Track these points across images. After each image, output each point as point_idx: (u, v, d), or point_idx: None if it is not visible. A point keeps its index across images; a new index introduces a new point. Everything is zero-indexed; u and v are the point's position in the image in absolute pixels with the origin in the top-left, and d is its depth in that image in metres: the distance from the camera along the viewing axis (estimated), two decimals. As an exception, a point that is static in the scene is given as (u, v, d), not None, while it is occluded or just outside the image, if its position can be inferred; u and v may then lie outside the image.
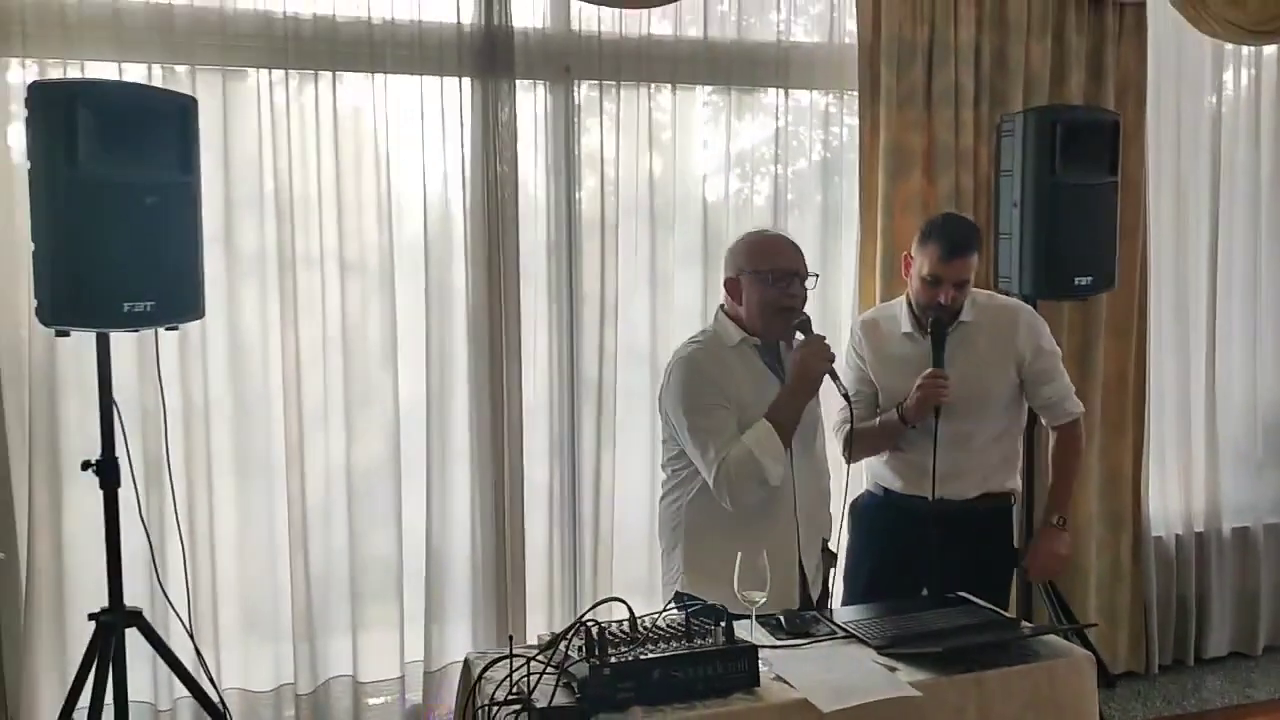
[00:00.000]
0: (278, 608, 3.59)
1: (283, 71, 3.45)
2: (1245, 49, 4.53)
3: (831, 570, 2.89)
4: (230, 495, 3.54)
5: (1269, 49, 4.56)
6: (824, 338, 2.73)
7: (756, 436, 2.65)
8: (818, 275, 2.83)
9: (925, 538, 3.00)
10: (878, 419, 3.09)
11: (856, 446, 3.05)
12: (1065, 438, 3.25)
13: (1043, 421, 3.32)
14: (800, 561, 2.75)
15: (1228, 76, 4.55)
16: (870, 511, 3.22)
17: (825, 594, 2.88)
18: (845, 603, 3.18)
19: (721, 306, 2.87)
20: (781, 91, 3.96)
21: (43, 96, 2.72)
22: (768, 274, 2.72)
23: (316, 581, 3.60)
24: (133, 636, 3.09)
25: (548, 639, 2.33)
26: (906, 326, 3.12)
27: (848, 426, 3.03)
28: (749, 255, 2.78)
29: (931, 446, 2.97)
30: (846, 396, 2.75)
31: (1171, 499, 4.54)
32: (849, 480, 3.00)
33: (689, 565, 2.78)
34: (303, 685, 3.61)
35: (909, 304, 3.14)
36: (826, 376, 2.74)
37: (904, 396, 3.01)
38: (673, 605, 2.50)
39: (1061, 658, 2.43)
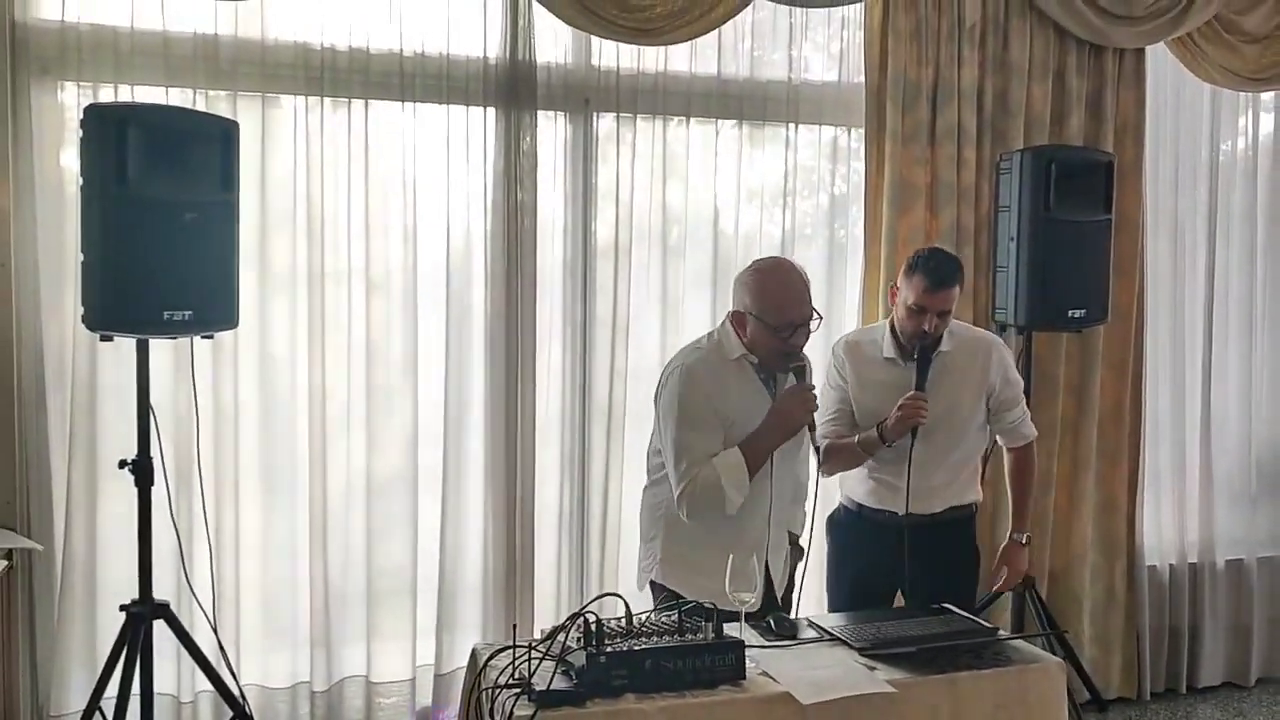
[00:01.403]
0: (297, 608, 3.75)
1: (318, 99, 3.65)
2: (1243, 95, 4.67)
3: (800, 564, 3.05)
4: (256, 498, 3.71)
5: (1266, 95, 4.71)
6: (813, 388, 2.88)
7: (726, 465, 2.78)
8: (822, 317, 2.90)
9: (897, 550, 3.19)
10: (856, 437, 3.23)
11: (834, 461, 3.24)
12: (1023, 460, 3.48)
13: (1001, 443, 3.51)
14: (767, 563, 2.90)
15: (1225, 121, 4.69)
16: (845, 525, 3.41)
17: (790, 588, 3.05)
18: (830, 610, 3.33)
19: (730, 315, 2.95)
20: (794, 126, 4.13)
21: (96, 118, 2.94)
22: (774, 327, 2.81)
23: (334, 584, 3.75)
24: (159, 632, 3.26)
25: (549, 631, 2.48)
26: (889, 352, 3.28)
27: (825, 442, 3.21)
28: (759, 302, 2.82)
29: (904, 467, 3.15)
30: (817, 449, 2.90)
31: (1166, 530, 4.65)
32: (818, 491, 3.16)
33: (665, 555, 2.95)
34: (318, 684, 3.76)
35: (892, 330, 3.29)
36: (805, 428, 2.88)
37: (882, 417, 3.15)
38: (664, 605, 2.63)
39: (1033, 663, 2.57)
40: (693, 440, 2.81)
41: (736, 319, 2.89)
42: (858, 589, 3.30)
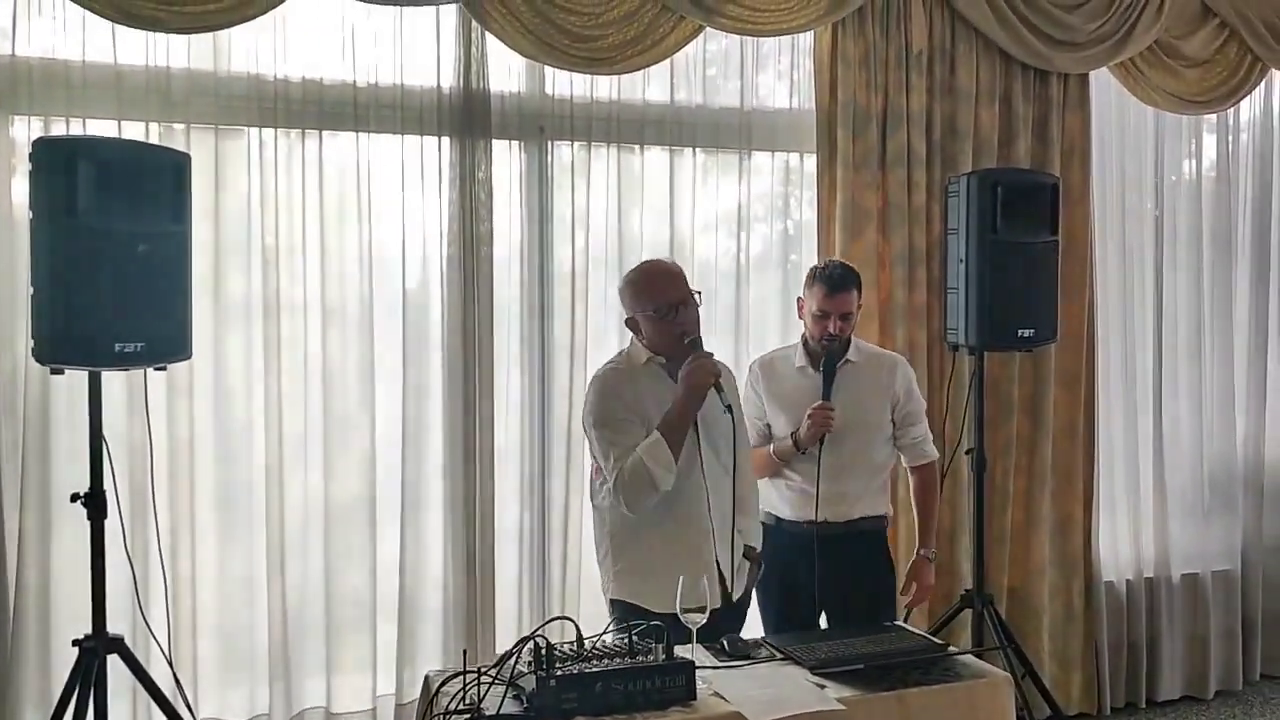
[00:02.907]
0: (254, 639, 3.72)
1: (272, 130, 3.67)
2: (1185, 118, 4.78)
3: (758, 572, 3.11)
4: (211, 529, 3.69)
5: (1208, 117, 4.82)
6: (711, 355, 2.96)
7: (648, 446, 2.88)
8: (700, 292, 3.04)
9: (815, 563, 3.28)
10: (770, 446, 3.42)
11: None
12: (925, 478, 3.60)
13: (904, 462, 3.61)
14: (718, 560, 2.93)
15: (1168, 144, 4.80)
16: (766, 542, 3.42)
17: (747, 595, 3.12)
18: (766, 630, 3.36)
19: (627, 324, 3.08)
20: (747, 153, 4.20)
21: (46, 151, 2.94)
22: (655, 311, 2.95)
23: (293, 615, 3.73)
24: (114, 666, 3.22)
25: (499, 656, 2.49)
26: (800, 362, 3.47)
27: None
28: (635, 298, 3.00)
29: (815, 474, 3.29)
30: (729, 408, 2.95)
31: (1122, 546, 4.72)
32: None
33: (616, 569, 3.01)
34: (277, 716, 3.73)
35: (804, 344, 3.48)
36: (712, 389, 2.94)
37: (795, 423, 3.35)
38: (613, 625, 2.64)
39: (981, 679, 2.60)
40: (616, 436, 2.92)
41: (632, 328, 3.03)
42: (786, 603, 3.37)
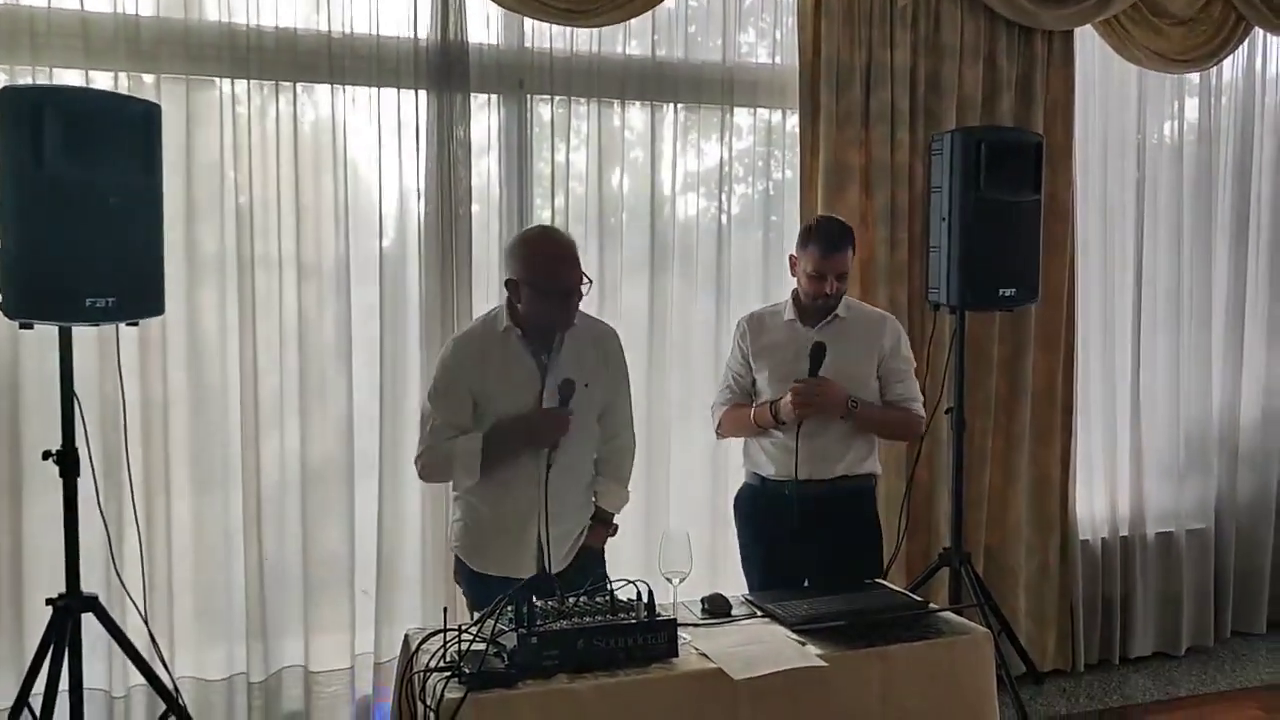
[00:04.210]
0: (231, 598, 3.70)
1: (245, 81, 3.59)
2: (1169, 77, 4.76)
3: (605, 538, 3.11)
4: (187, 487, 3.65)
5: (1191, 77, 4.80)
6: (571, 413, 2.86)
7: (463, 450, 2.87)
8: (591, 281, 2.93)
9: (799, 522, 3.23)
10: (752, 410, 3.35)
11: (727, 425, 3.45)
12: (904, 413, 3.42)
13: None
14: (540, 533, 2.89)
15: (1151, 104, 4.78)
16: (750, 503, 3.47)
17: (590, 555, 3.06)
18: (750, 590, 3.34)
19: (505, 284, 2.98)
20: (732, 110, 4.14)
21: (11, 101, 2.85)
22: (543, 291, 2.85)
23: (270, 573, 3.71)
24: (90, 626, 3.20)
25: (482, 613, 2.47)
26: (789, 315, 3.41)
27: (724, 408, 3.43)
28: (531, 271, 2.86)
29: (795, 432, 3.24)
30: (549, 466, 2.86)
31: (1098, 505, 4.74)
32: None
33: (454, 517, 3.07)
34: (255, 674, 3.72)
35: (794, 299, 3.43)
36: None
37: (780, 376, 3.30)
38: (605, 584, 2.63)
39: (961, 635, 2.61)
40: (438, 411, 2.93)
41: (511, 290, 2.92)
42: (770, 562, 3.35)
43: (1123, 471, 4.75)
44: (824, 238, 3.29)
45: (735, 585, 3.83)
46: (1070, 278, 4.50)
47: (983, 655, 2.59)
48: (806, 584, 3.16)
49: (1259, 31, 4.83)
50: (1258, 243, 5.00)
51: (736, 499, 3.53)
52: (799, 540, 3.23)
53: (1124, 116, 4.72)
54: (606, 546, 3.17)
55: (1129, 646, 4.74)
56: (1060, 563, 4.57)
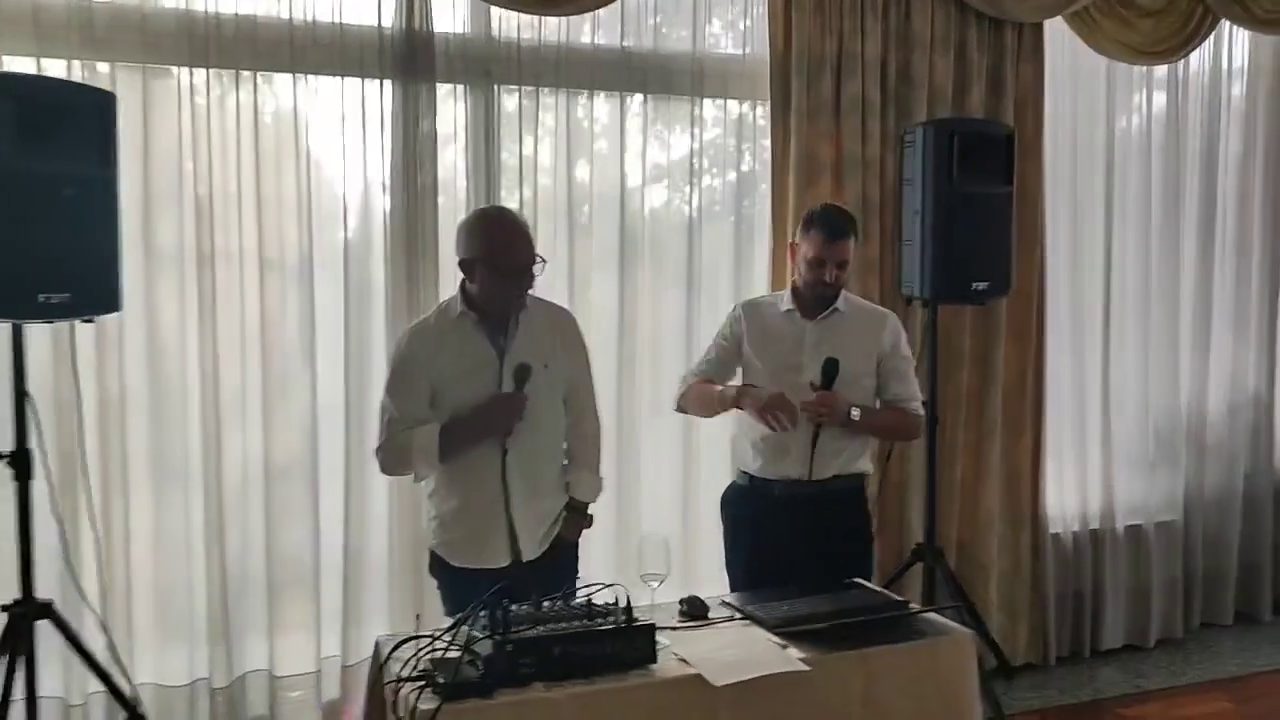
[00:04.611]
0: (193, 602, 3.61)
1: (204, 70, 3.49)
2: (1137, 69, 4.76)
3: (579, 529, 3.06)
4: (146, 489, 3.55)
5: (1159, 70, 4.80)
6: (526, 397, 2.82)
7: (420, 441, 2.83)
8: (545, 261, 2.90)
9: (788, 522, 3.20)
10: (721, 388, 3.32)
11: (690, 401, 3.42)
12: (903, 412, 3.41)
13: None
14: (512, 520, 2.85)
15: (1120, 97, 4.78)
16: (737, 501, 3.41)
17: (564, 547, 3.01)
18: (732, 589, 3.30)
19: (464, 282, 2.94)
20: (701, 101, 4.08)
21: (-41, 90, 2.75)
22: (504, 270, 2.82)
23: (233, 576, 3.62)
24: (46, 632, 3.10)
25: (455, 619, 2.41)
26: (787, 305, 3.35)
27: (695, 380, 3.40)
28: (487, 249, 2.83)
29: (798, 431, 3.18)
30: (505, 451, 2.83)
31: (1068, 498, 4.74)
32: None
33: (429, 515, 3.03)
34: (218, 680, 3.63)
35: (792, 290, 3.37)
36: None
37: (773, 367, 3.25)
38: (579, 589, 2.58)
39: (943, 636, 2.57)
40: (395, 402, 2.89)
41: (465, 270, 2.88)
42: (754, 563, 3.30)
43: (1092, 464, 4.76)
44: (827, 224, 3.24)
45: (708, 585, 3.80)
46: (1041, 270, 4.49)
47: (965, 656, 2.56)
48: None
49: (1225, 24, 4.84)
50: (1223, 235, 5.02)
51: (724, 498, 3.47)
52: (791, 540, 3.17)
53: (1093, 109, 4.71)
54: (579, 542, 3.12)
55: (1099, 639, 4.75)
56: (1031, 557, 4.57)
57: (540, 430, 2.91)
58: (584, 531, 3.10)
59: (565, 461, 3.05)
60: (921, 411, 3.43)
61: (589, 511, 3.07)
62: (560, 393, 2.99)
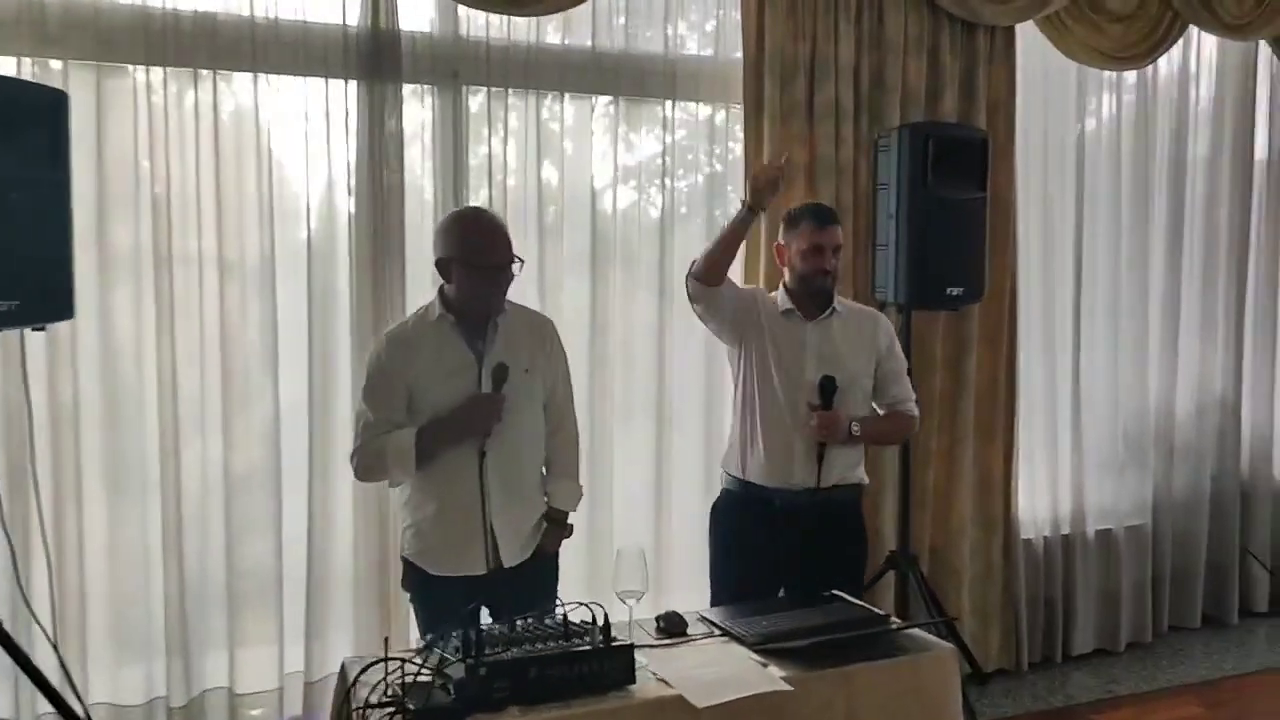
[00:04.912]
0: (150, 618, 3.50)
1: (161, 69, 3.38)
2: (1108, 74, 4.76)
3: (559, 539, 3.02)
4: (100, 502, 3.44)
5: (1129, 75, 4.80)
6: (504, 398, 2.79)
7: (396, 445, 2.79)
8: (523, 261, 2.89)
9: (784, 532, 3.16)
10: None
11: (711, 247, 3.21)
12: (900, 416, 3.42)
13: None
14: (490, 526, 2.80)
15: (1091, 100, 4.78)
16: (733, 510, 3.34)
17: (543, 557, 2.98)
18: (714, 601, 3.26)
19: (442, 286, 2.92)
20: (673, 103, 4.02)
21: (-99, 86, 2.63)
22: (481, 269, 2.80)
23: (191, 591, 3.52)
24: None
25: (426, 641, 2.32)
26: (786, 305, 3.30)
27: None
28: (464, 247, 2.81)
29: (797, 436, 3.19)
30: (483, 454, 2.78)
31: (1040, 502, 4.73)
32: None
33: (405, 524, 2.95)
34: (176, 698, 3.52)
35: (787, 291, 3.33)
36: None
37: (786, 363, 3.23)
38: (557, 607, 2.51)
39: (926, 651, 2.53)
40: (371, 407, 2.85)
41: (442, 270, 2.86)
42: (743, 573, 3.24)
43: (1063, 468, 4.75)
44: (815, 213, 3.26)
45: (680, 595, 3.76)
46: (1012, 275, 4.47)
47: (947, 671, 2.51)
48: (782, 593, 3.11)
49: (1193, 29, 4.85)
50: (1191, 239, 5.03)
51: (717, 506, 3.41)
52: (792, 550, 3.14)
53: (1064, 113, 4.70)
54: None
55: (1071, 644, 4.74)
56: (1004, 562, 4.55)
57: (519, 434, 2.88)
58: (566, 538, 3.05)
59: (544, 470, 3.00)
60: (916, 411, 3.42)
61: (569, 521, 3.02)
62: (540, 399, 2.95)
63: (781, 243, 3.34)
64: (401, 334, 2.91)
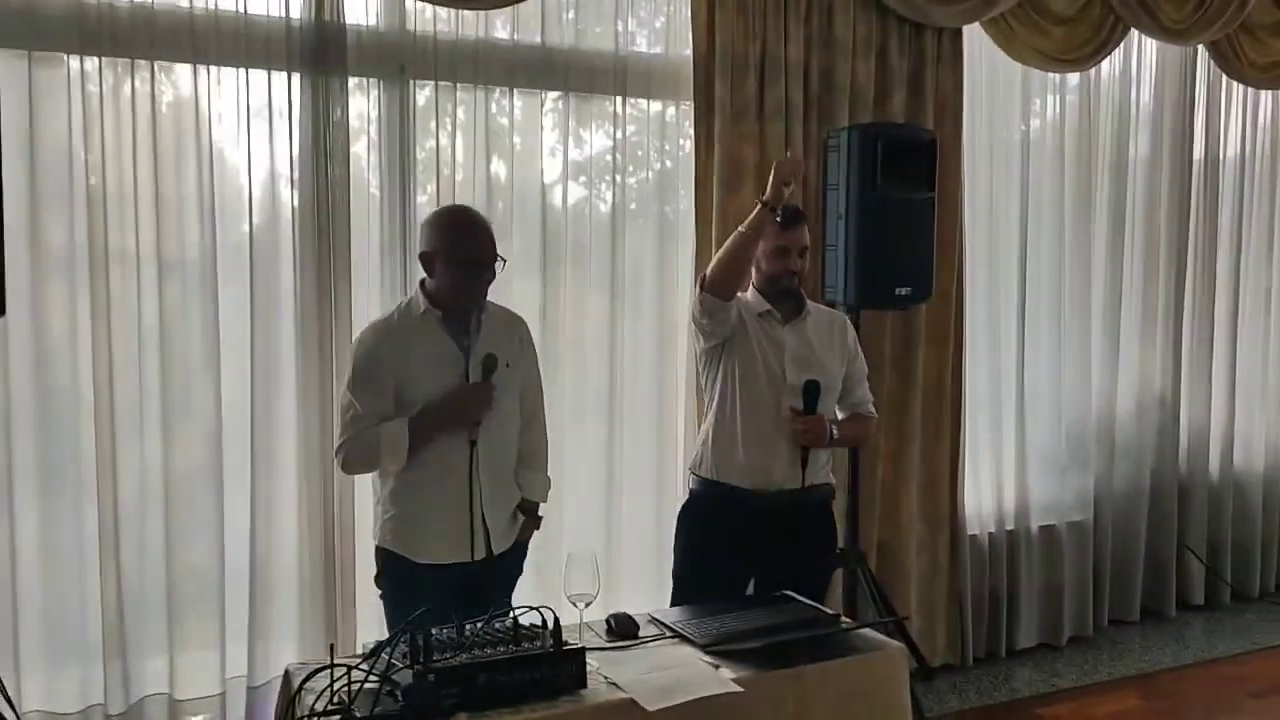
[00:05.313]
0: (86, 623, 3.42)
1: (96, 59, 3.29)
2: (1052, 76, 4.81)
3: (533, 530, 3.07)
4: (33, 502, 3.35)
5: (1073, 77, 4.87)
6: (494, 387, 2.83)
7: (388, 434, 2.80)
8: (505, 260, 2.93)
9: (755, 532, 3.15)
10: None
11: (719, 252, 3.19)
12: (860, 423, 3.45)
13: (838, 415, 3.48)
14: (483, 516, 2.84)
15: (1035, 101, 4.84)
16: (704, 510, 3.32)
17: (518, 546, 3.04)
18: (676, 602, 3.24)
19: (423, 280, 2.93)
20: (623, 100, 4.00)
21: None
22: (464, 263, 2.83)
23: (130, 594, 3.43)
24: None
25: (372, 647, 2.28)
26: (763, 306, 3.28)
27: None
28: (448, 242, 2.85)
29: (779, 438, 3.17)
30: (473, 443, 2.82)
31: (985, 499, 4.78)
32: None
33: (387, 515, 2.93)
34: (114, 705, 3.44)
35: (759, 291, 3.31)
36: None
37: (763, 364, 3.21)
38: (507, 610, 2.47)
39: (876, 651, 2.54)
40: (359, 399, 2.85)
41: (426, 264, 2.88)
42: (709, 572, 3.22)
43: (1008, 466, 4.80)
44: (781, 213, 3.18)
45: (630, 596, 3.74)
46: (959, 275, 4.51)
47: (897, 669, 2.52)
48: (752, 589, 3.14)
49: (1135, 33, 4.92)
50: (1132, 239, 5.12)
51: (686, 507, 3.39)
52: (765, 549, 3.14)
53: (1009, 114, 4.75)
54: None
55: (1014, 639, 4.80)
56: (950, 558, 4.60)
57: (503, 425, 2.93)
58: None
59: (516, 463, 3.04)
60: (874, 412, 3.46)
61: (539, 513, 3.07)
62: (517, 393, 2.99)
63: None
64: (388, 327, 2.92)
